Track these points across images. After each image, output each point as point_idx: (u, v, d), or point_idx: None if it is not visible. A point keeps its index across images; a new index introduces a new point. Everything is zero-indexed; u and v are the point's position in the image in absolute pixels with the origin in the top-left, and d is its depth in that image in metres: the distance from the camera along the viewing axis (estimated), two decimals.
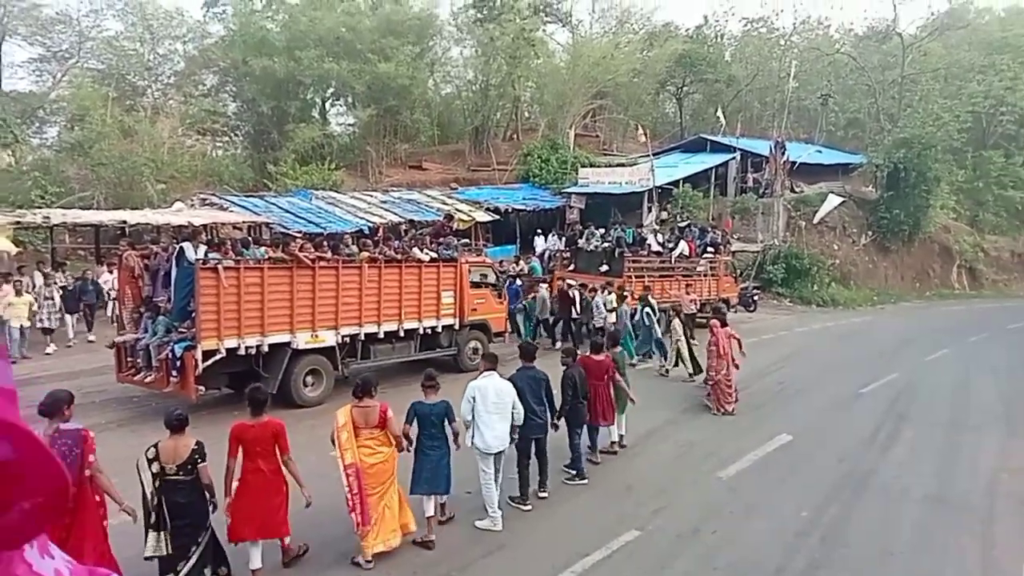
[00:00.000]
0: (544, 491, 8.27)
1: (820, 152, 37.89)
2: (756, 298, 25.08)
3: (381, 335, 12.89)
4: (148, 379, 10.95)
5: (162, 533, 5.58)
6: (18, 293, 15.10)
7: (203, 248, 11.10)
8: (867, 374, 15.49)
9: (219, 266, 10.52)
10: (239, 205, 23.03)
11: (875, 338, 21.52)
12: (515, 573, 6.64)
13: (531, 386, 7.92)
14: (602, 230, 21.56)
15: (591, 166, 32.55)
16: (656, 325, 15.77)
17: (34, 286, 16.50)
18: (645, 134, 30.80)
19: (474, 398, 7.35)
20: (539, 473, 8.25)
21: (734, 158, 33.29)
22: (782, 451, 10.27)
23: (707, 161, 32.97)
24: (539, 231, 26.26)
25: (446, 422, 7.07)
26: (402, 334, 13.24)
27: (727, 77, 43.12)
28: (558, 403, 8.52)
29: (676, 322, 14.70)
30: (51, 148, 33.15)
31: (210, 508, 5.86)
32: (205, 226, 19.78)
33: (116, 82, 33.67)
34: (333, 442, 6.57)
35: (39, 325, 15.54)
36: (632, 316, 15.84)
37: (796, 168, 32.47)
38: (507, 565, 6.76)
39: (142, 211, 22.44)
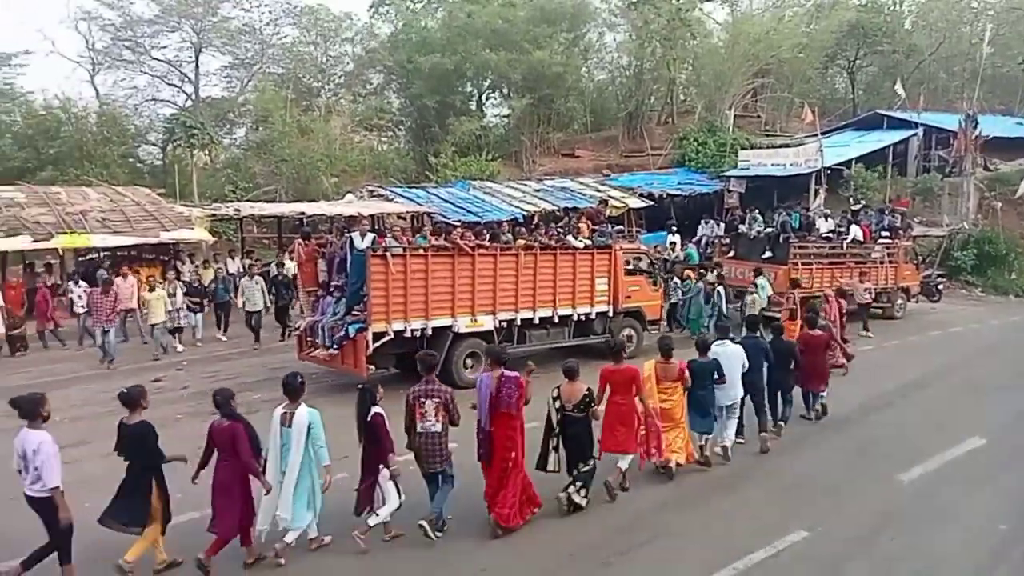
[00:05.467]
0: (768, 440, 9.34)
1: (1021, 124, 33.64)
2: (941, 287, 22.80)
3: (536, 321, 13.08)
4: (325, 356, 11.82)
5: (558, 454, 7.19)
6: (151, 289, 14.77)
7: (370, 236, 11.80)
8: None
9: (387, 253, 11.15)
10: (403, 196, 24.30)
11: None
12: (674, 563, 6.52)
13: (754, 350, 9.15)
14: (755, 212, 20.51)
15: (752, 148, 30.99)
16: (725, 305, 15.96)
17: (227, 272, 18.31)
18: (812, 112, 28.85)
19: None
20: (759, 425, 9.36)
21: (916, 134, 30.38)
22: (974, 455, 9.30)
23: (884, 139, 30.33)
24: (673, 226, 23.67)
25: (715, 375, 8.47)
26: (556, 320, 13.35)
27: (907, 47, 39.27)
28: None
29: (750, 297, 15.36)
30: (240, 147, 36.73)
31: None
32: (372, 216, 21.07)
33: (293, 84, 36.54)
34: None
35: (171, 324, 15.05)
36: (708, 295, 16.19)
37: (990, 143, 29.03)
38: (667, 554, 6.65)
39: (318, 203, 24.28)
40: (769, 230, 18.85)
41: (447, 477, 6.79)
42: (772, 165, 28.58)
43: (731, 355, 8.81)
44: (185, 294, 15.63)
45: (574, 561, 6.50)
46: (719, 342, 8.96)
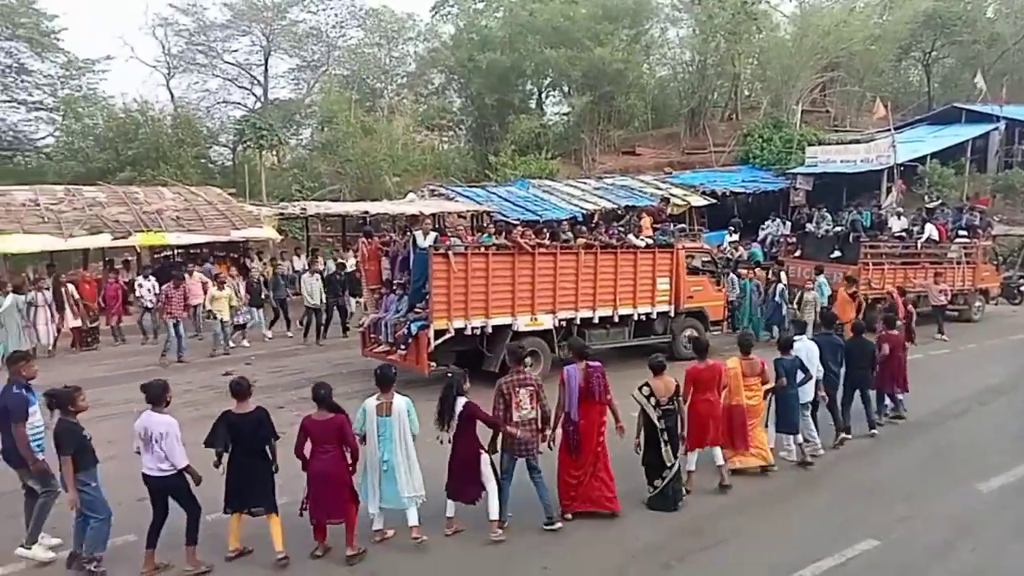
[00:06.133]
0: (838, 440, 9.27)
1: None
2: (1022, 289, 21.74)
3: (596, 320, 13.01)
4: (388, 353, 12.02)
5: (667, 446, 7.29)
6: (220, 286, 15.07)
7: (432, 235, 11.96)
8: None
9: (449, 252, 11.27)
10: (463, 195, 24.52)
11: None
12: (736, 569, 6.39)
13: (829, 348, 9.18)
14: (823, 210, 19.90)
15: (820, 144, 30.09)
16: (786, 304, 15.92)
17: (293, 269, 18.78)
18: (884, 106, 27.84)
19: None
20: (834, 423, 9.30)
21: (997, 128, 28.98)
22: None
23: (961, 133, 29.05)
24: (731, 226, 22.30)
25: (799, 372, 8.45)
26: (616, 320, 13.26)
27: (989, 36, 37.39)
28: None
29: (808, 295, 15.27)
30: (306, 148, 37.73)
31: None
32: (434, 215, 21.33)
33: (358, 86, 37.31)
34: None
35: (235, 320, 15.44)
36: (765, 293, 16.27)
37: None
38: (729, 559, 6.52)
39: (380, 202, 24.73)
40: (838, 229, 18.27)
41: (535, 466, 6.95)
42: (841, 162, 27.71)
43: (806, 351, 8.77)
44: (247, 291, 16.11)
45: (635, 562, 6.44)
46: (796, 337, 8.95)
